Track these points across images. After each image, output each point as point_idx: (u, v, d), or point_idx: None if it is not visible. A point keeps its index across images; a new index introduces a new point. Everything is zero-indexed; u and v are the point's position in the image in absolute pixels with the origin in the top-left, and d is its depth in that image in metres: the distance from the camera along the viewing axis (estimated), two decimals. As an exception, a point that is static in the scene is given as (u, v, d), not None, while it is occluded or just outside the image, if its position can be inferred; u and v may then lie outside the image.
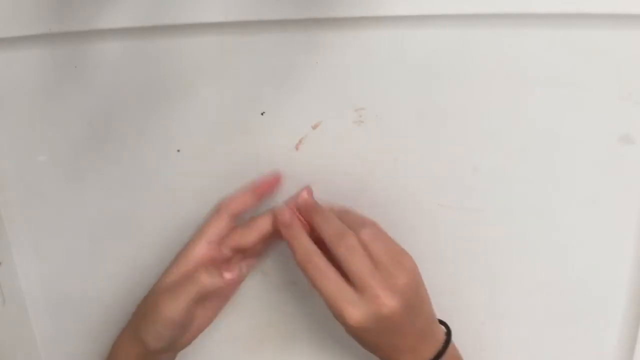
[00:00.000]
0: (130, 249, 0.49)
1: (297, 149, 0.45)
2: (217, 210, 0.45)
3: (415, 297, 0.40)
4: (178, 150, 0.45)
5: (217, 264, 0.44)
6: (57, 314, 0.51)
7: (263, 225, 0.44)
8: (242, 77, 0.43)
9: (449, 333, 0.43)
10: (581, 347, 0.49)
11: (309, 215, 0.43)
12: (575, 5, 0.39)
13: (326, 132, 0.44)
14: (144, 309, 0.44)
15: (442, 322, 0.44)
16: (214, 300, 0.45)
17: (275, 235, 0.43)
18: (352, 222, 0.42)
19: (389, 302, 0.38)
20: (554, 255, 0.46)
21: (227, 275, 0.42)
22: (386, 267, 0.39)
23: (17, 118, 0.45)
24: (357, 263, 0.39)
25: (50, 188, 0.47)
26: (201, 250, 0.44)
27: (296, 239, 0.42)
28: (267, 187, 0.45)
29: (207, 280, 0.41)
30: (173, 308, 0.41)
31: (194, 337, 0.45)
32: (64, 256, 0.49)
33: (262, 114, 0.44)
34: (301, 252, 0.41)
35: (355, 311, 0.38)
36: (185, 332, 0.44)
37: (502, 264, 0.47)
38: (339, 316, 0.39)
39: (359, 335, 0.40)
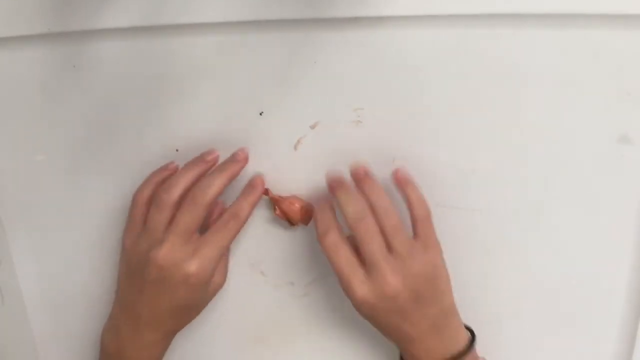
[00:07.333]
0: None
1: (295, 148, 0.45)
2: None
3: (428, 288, 0.41)
4: (177, 150, 0.45)
5: None
6: (56, 314, 0.51)
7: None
8: (241, 77, 0.43)
9: (472, 340, 0.44)
10: (581, 347, 0.49)
11: (334, 190, 0.42)
12: (576, 5, 0.39)
13: (325, 132, 0.44)
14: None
15: (468, 328, 0.44)
16: None
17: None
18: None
19: (393, 282, 0.39)
20: (553, 255, 0.46)
21: None
22: (400, 255, 0.40)
23: (16, 118, 0.45)
24: (371, 244, 0.40)
25: (50, 188, 0.47)
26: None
27: (321, 212, 0.42)
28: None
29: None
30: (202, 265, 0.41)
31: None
32: (63, 256, 0.49)
33: (260, 113, 0.44)
34: (322, 226, 0.42)
35: (361, 286, 0.40)
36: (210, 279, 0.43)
37: (501, 264, 0.47)
38: (346, 289, 0.41)
39: (364, 311, 0.41)
